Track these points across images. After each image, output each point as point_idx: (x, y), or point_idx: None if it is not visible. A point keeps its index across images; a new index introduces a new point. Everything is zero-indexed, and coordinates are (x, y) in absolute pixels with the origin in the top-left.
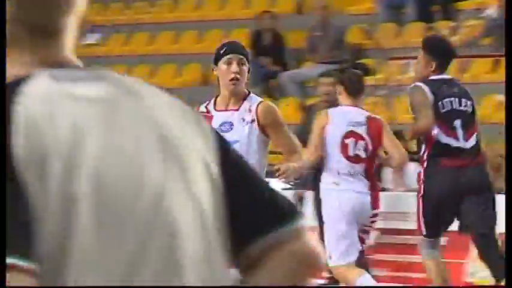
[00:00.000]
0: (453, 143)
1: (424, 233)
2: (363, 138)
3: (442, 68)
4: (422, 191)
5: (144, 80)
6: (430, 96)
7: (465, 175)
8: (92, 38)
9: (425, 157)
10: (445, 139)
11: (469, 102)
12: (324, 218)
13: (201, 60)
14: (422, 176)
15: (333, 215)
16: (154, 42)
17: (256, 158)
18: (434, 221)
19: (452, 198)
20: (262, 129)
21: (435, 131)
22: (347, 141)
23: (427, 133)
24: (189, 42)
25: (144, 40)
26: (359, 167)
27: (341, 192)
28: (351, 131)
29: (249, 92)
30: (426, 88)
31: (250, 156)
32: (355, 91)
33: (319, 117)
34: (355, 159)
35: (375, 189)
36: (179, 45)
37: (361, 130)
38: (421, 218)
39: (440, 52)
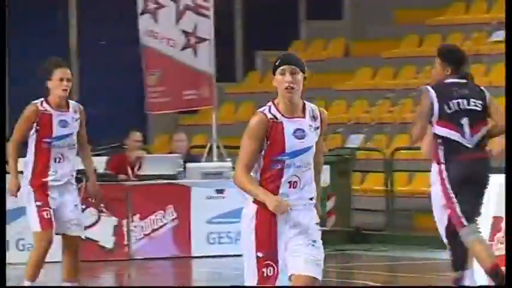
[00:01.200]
0: (460, 139)
1: (465, 223)
2: None
3: (455, 72)
4: (444, 186)
5: None
6: (435, 100)
7: (470, 168)
8: (499, 36)
9: (439, 154)
10: (453, 136)
11: (478, 102)
12: None
13: None
14: (439, 171)
15: None
16: None
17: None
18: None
19: (459, 189)
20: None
21: (443, 130)
22: None
23: (418, 140)
24: None
25: None
26: None
27: None
28: None
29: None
30: (432, 92)
31: (311, 160)
32: None
33: None
34: None
35: None
36: None
37: None
38: (458, 210)
39: (453, 59)
